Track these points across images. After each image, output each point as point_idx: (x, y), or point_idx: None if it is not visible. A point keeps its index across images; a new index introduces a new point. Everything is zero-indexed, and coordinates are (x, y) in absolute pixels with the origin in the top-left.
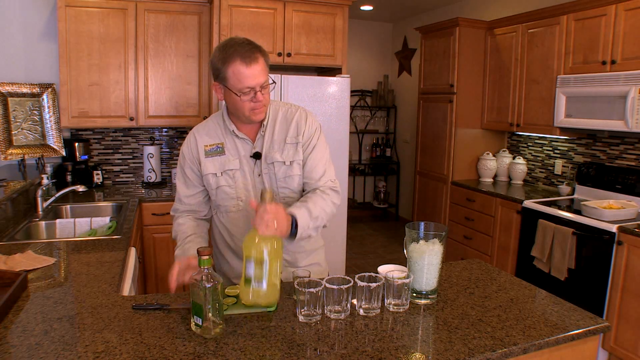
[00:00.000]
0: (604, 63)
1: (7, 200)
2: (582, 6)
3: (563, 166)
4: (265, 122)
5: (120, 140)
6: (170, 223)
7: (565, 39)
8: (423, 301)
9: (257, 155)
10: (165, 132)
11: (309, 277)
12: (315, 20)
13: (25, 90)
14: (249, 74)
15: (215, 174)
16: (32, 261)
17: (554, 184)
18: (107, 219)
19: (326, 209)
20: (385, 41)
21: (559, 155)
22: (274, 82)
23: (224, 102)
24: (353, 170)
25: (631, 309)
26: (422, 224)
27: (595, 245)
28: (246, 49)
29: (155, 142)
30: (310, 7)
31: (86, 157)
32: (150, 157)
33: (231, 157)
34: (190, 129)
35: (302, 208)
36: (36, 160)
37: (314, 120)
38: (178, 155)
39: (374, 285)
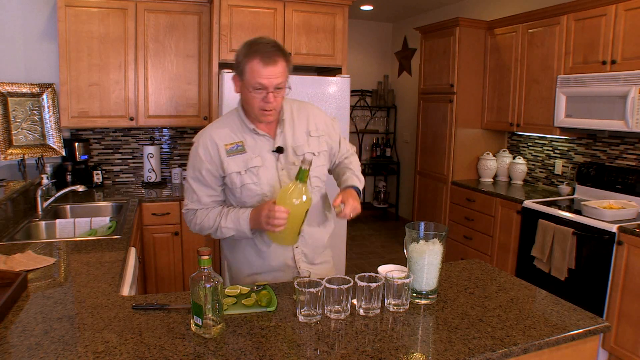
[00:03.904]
0: (604, 63)
1: (7, 200)
2: (582, 6)
3: (563, 166)
4: (282, 118)
5: (120, 140)
6: (170, 223)
7: (565, 39)
8: (423, 301)
9: (279, 150)
10: (166, 132)
11: (309, 277)
12: (315, 20)
13: (25, 90)
14: (265, 73)
15: (239, 172)
16: (32, 261)
17: (554, 184)
18: (107, 219)
19: (359, 167)
20: (385, 41)
21: (559, 155)
22: (290, 87)
23: (239, 103)
24: None
25: (631, 309)
26: (422, 224)
27: (595, 245)
28: (269, 49)
29: (155, 142)
30: (310, 7)
31: (86, 157)
32: (150, 157)
33: (253, 154)
34: (192, 128)
35: (355, 177)
36: (36, 160)
37: (321, 110)
38: (178, 155)
39: (374, 285)
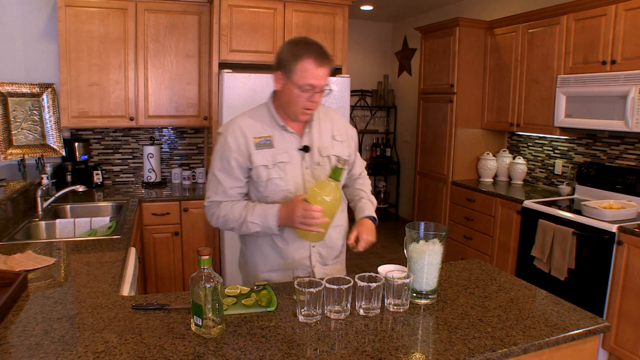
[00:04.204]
0: (604, 63)
1: (7, 200)
2: (582, 6)
3: (563, 166)
4: (311, 118)
5: (120, 140)
6: (170, 223)
7: (565, 39)
8: (423, 301)
9: (305, 149)
10: (166, 132)
11: (309, 277)
12: (315, 20)
13: (25, 90)
14: (317, 74)
15: (267, 166)
16: (32, 261)
17: (554, 184)
18: (107, 219)
19: (370, 187)
20: (385, 41)
21: (559, 155)
22: (331, 90)
23: (269, 99)
24: None
25: (631, 309)
26: (422, 224)
27: (595, 245)
28: (320, 51)
29: (155, 142)
30: (310, 7)
31: (86, 157)
32: (150, 157)
33: (280, 150)
34: (192, 128)
35: (369, 204)
36: (36, 160)
37: (343, 118)
38: (178, 155)
39: (374, 285)
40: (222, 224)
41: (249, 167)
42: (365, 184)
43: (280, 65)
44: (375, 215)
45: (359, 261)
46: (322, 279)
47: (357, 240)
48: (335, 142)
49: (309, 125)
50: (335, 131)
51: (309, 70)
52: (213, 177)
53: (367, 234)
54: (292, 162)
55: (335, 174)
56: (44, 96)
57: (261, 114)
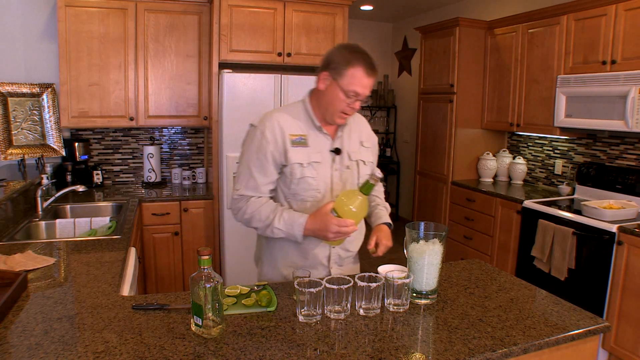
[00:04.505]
0: (604, 63)
1: (7, 200)
2: (582, 6)
3: (563, 166)
4: (345, 123)
5: (120, 140)
6: (170, 223)
7: (565, 39)
8: (423, 301)
9: (337, 151)
10: (166, 132)
11: (309, 277)
12: (315, 20)
13: (25, 90)
14: (365, 83)
15: (302, 164)
16: (32, 261)
17: (554, 184)
18: (107, 219)
19: (383, 194)
20: (385, 41)
21: (559, 155)
22: (369, 100)
23: (306, 97)
24: None
25: (631, 309)
26: (422, 224)
27: (595, 245)
28: (371, 62)
29: (155, 142)
30: (310, 7)
31: (86, 157)
32: (150, 157)
33: (314, 150)
34: (192, 128)
35: (385, 210)
36: (36, 160)
37: (369, 126)
38: (178, 155)
39: (374, 285)
40: (247, 221)
41: (283, 163)
42: (379, 190)
43: (330, 66)
44: (390, 221)
45: (359, 261)
46: (322, 279)
47: (376, 245)
48: (363, 148)
49: (342, 129)
50: (364, 137)
51: (358, 78)
52: (246, 171)
53: (386, 240)
54: (324, 163)
55: (366, 188)
56: (44, 96)
57: (298, 112)
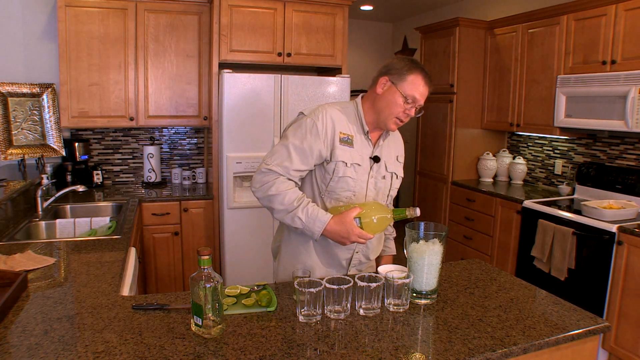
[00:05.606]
0: (604, 63)
1: (7, 200)
2: (582, 6)
3: (563, 166)
4: (388, 134)
5: (120, 140)
6: (170, 223)
7: (565, 39)
8: (423, 301)
9: (376, 159)
10: (166, 132)
11: (309, 277)
12: (315, 20)
13: (25, 90)
14: (423, 91)
15: (346, 163)
16: (32, 261)
17: (554, 184)
18: (107, 219)
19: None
20: (385, 41)
21: (559, 155)
22: (422, 111)
23: (359, 100)
24: None
25: (631, 309)
26: (422, 224)
27: (595, 245)
28: (429, 75)
29: (155, 142)
30: (310, 7)
31: (86, 157)
32: (150, 157)
33: (357, 152)
34: (192, 128)
35: (392, 241)
36: (36, 160)
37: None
38: (178, 155)
39: (374, 285)
40: (269, 198)
41: (327, 158)
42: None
43: (390, 72)
44: (395, 252)
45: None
46: (322, 279)
47: None
48: (397, 162)
49: (383, 138)
50: (400, 152)
51: (418, 84)
52: (285, 151)
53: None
54: (363, 168)
55: (398, 214)
56: (44, 96)
57: (350, 112)
